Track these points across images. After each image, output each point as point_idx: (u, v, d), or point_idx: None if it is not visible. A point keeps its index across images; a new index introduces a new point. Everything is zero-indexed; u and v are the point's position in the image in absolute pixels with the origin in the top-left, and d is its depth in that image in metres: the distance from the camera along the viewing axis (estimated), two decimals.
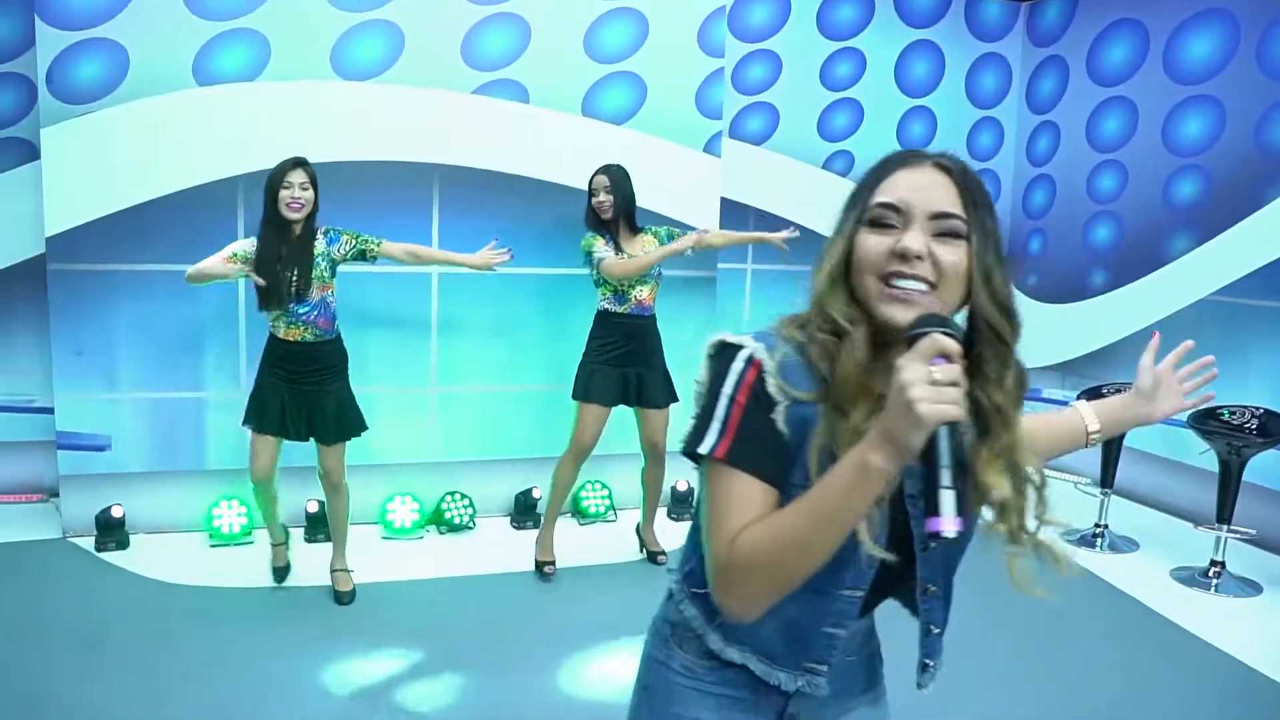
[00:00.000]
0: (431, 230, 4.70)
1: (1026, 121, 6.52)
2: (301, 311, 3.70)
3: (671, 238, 4.27)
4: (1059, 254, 6.30)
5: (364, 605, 3.91)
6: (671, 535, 4.52)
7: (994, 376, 1.16)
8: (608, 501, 5.00)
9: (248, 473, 3.87)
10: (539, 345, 4.92)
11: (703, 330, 5.10)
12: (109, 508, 4.44)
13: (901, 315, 1.11)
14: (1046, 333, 6.25)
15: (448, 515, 4.71)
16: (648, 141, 4.94)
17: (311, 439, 3.84)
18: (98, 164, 4.35)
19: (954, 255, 1.13)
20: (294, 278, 3.66)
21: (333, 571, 4.02)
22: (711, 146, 5.05)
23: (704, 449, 1.13)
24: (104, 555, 4.34)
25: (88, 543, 4.43)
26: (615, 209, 4.16)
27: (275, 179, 3.66)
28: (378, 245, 3.89)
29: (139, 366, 4.52)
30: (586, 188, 4.24)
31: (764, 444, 1.12)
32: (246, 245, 3.69)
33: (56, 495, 4.71)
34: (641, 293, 4.20)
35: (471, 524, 4.76)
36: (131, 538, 4.48)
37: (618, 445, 4.63)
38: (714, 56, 5.01)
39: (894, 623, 1.37)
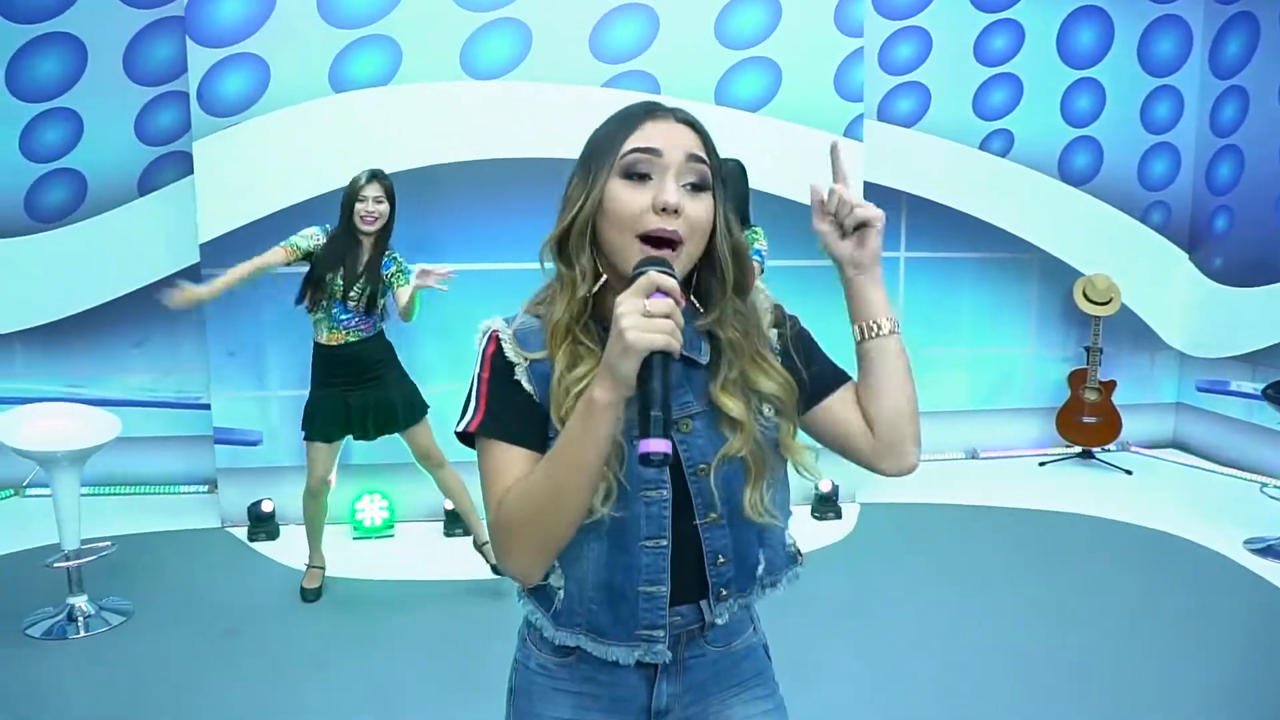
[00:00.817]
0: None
1: (1210, 88, 6.04)
2: (343, 317, 3.82)
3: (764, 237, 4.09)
4: (1247, 233, 5.82)
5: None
6: (813, 535, 4.44)
7: (729, 315, 1.22)
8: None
9: (325, 478, 3.98)
10: None
11: (841, 326, 4.98)
12: (259, 501, 4.71)
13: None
14: (1234, 320, 5.81)
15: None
16: (785, 128, 4.84)
17: (393, 434, 3.98)
18: (245, 172, 4.60)
19: (701, 207, 1.16)
20: (361, 288, 3.78)
21: (478, 546, 4.12)
22: (853, 130, 4.89)
23: (460, 427, 1.21)
24: (255, 545, 4.62)
25: (242, 532, 4.72)
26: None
27: (351, 191, 3.78)
28: (398, 287, 3.87)
29: (287, 365, 4.76)
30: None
31: (513, 410, 1.19)
32: (307, 239, 3.78)
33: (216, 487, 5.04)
34: None
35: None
36: (281, 529, 4.74)
37: None
38: (852, 36, 4.85)
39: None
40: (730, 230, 1.22)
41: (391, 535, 4.74)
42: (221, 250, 4.63)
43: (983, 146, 5.80)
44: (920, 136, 5.72)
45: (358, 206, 3.75)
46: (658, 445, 0.99)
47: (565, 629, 1.27)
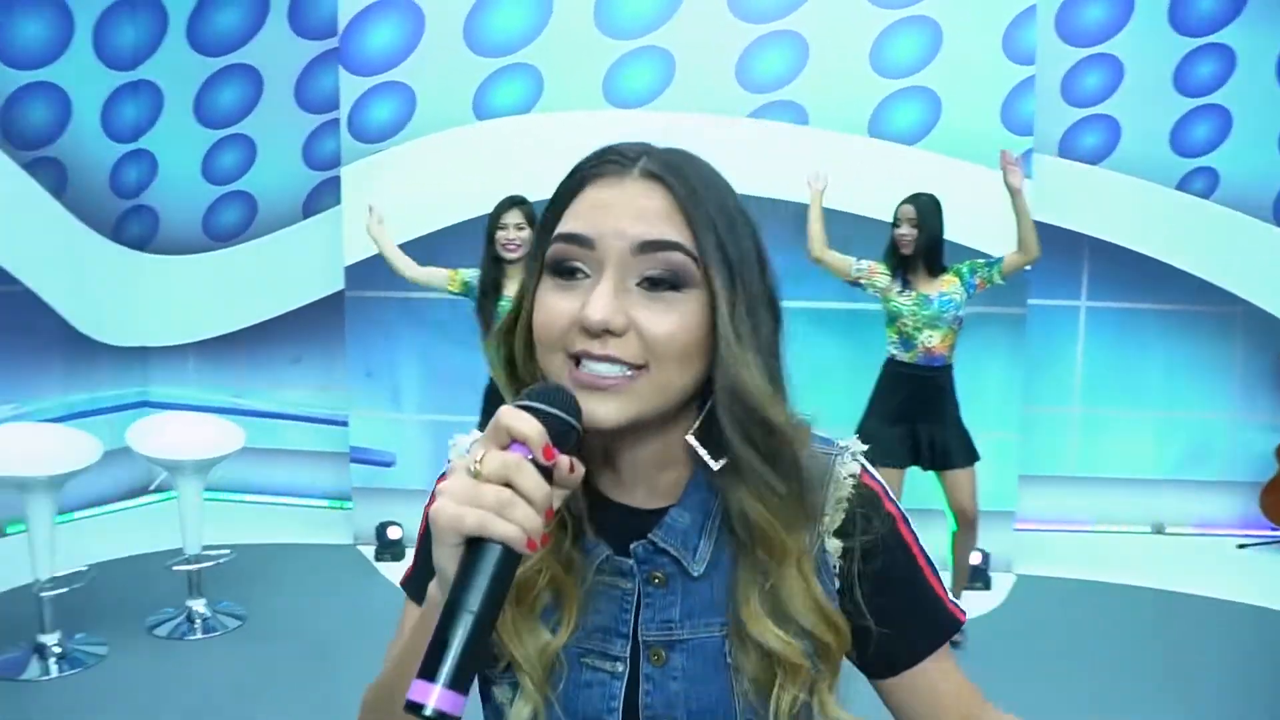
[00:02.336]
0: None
1: None
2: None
3: (974, 272, 3.93)
4: None
5: None
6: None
7: (751, 483, 0.82)
8: None
9: None
10: (817, 386, 4.76)
11: (1005, 381, 4.73)
12: (386, 524, 4.90)
13: (601, 411, 0.78)
14: None
15: None
16: (943, 163, 4.65)
17: None
18: (390, 198, 4.82)
19: (671, 320, 0.78)
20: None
21: None
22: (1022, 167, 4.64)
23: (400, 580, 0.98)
24: (379, 565, 4.81)
25: (370, 551, 4.93)
26: (918, 244, 3.87)
27: (493, 219, 3.87)
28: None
29: (423, 389, 4.96)
30: (891, 217, 3.98)
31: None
32: (470, 274, 3.92)
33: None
34: (931, 339, 3.91)
35: None
36: (407, 550, 4.91)
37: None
38: (1022, 64, 4.61)
39: None
40: (740, 346, 0.80)
41: None
42: (364, 274, 4.89)
43: (1181, 186, 5.36)
44: (1107, 174, 5.36)
45: (499, 234, 3.85)
46: (422, 692, 0.66)
47: None
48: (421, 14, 4.73)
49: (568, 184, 0.85)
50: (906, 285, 3.90)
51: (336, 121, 5.25)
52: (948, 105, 4.64)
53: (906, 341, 3.92)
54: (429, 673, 0.66)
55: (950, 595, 0.93)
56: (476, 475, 0.69)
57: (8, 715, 3.34)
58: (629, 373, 0.78)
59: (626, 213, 0.79)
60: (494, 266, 3.85)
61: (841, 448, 0.90)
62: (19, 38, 5.11)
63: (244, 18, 5.54)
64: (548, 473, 0.72)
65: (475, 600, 0.68)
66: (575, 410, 0.76)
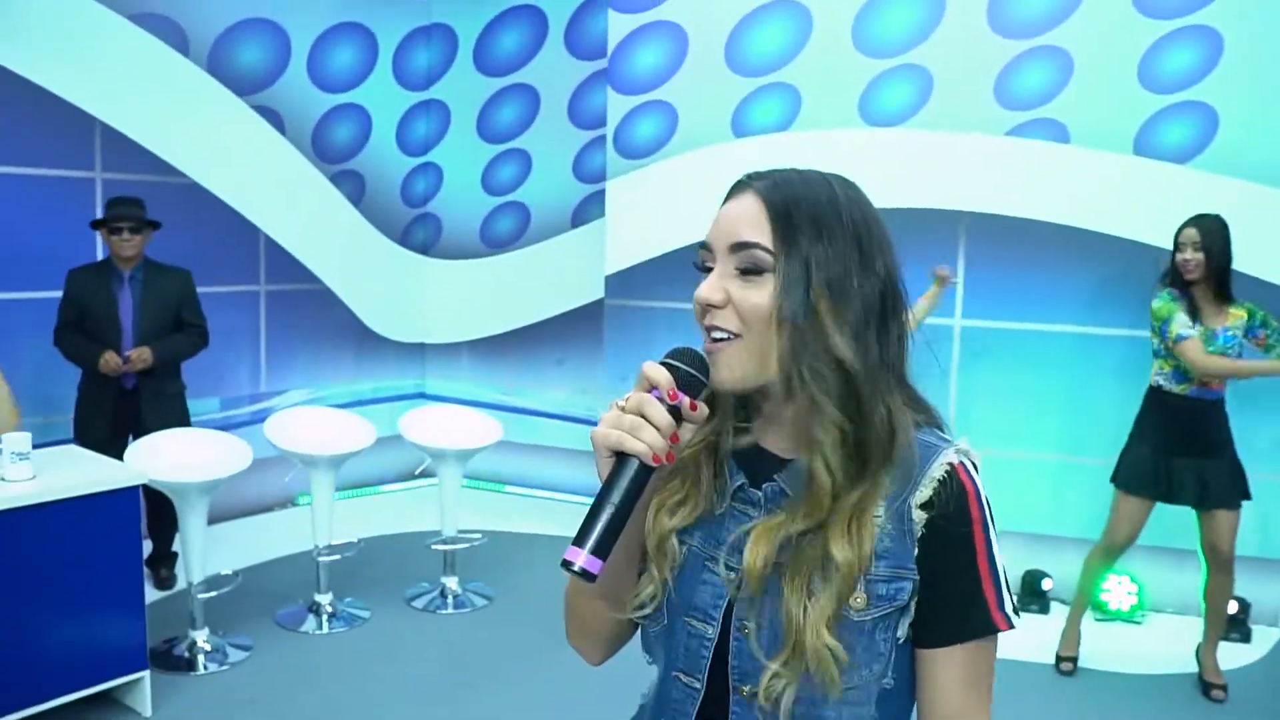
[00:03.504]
0: (956, 284, 4.81)
1: None
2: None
3: (1264, 325, 3.78)
4: None
5: None
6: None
7: (818, 451, 1.03)
8: (1135, 600, 4.66)
9: None
10: (1064, 410, 4.77)
11: None
12: None
13: (718, 377, 1.05)
14: None
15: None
16: (1220, 184, 4.51)
17: None
18: (650, 211, 5.23)
19: (757, 295, 1.03)
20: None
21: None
22: None
23: None
24: None
25: None
26: (1204, 270, 3.73)
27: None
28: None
29: None
30: (1172, 241, 3.85)
31: None
32: None
33: None
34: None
35: None
36: None
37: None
38: None
39: None
40: (796, 322, 1.02)
41: None
42: (623, 284, 5.30)
43: None
44: None
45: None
46: (573, 554, 0.96)
47: None
48: (685, 35, 5.09)
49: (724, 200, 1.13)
50: (1195, 317, 3.71)
51: (604, 137, 5.70)
52: (1226, 121, 4.51)
53: (1181, 374, 3.76)
54: (580, 541, 0.96)
55: (1003, 605, 1.05)
56: (622, 408, 1.00)
57: (287, 660, 3.98)
58: (728, 338, 1.04)
59: (732, 223, 1.06)
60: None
61: (952, 444, 1.08)
62: (332, 65, 5.88)
63: (525, 41, 6.11)
64: (676, 410, 1.00)
65: (616, 496, 0.98)
66: (702, 367, 1.03)
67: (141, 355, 4.32)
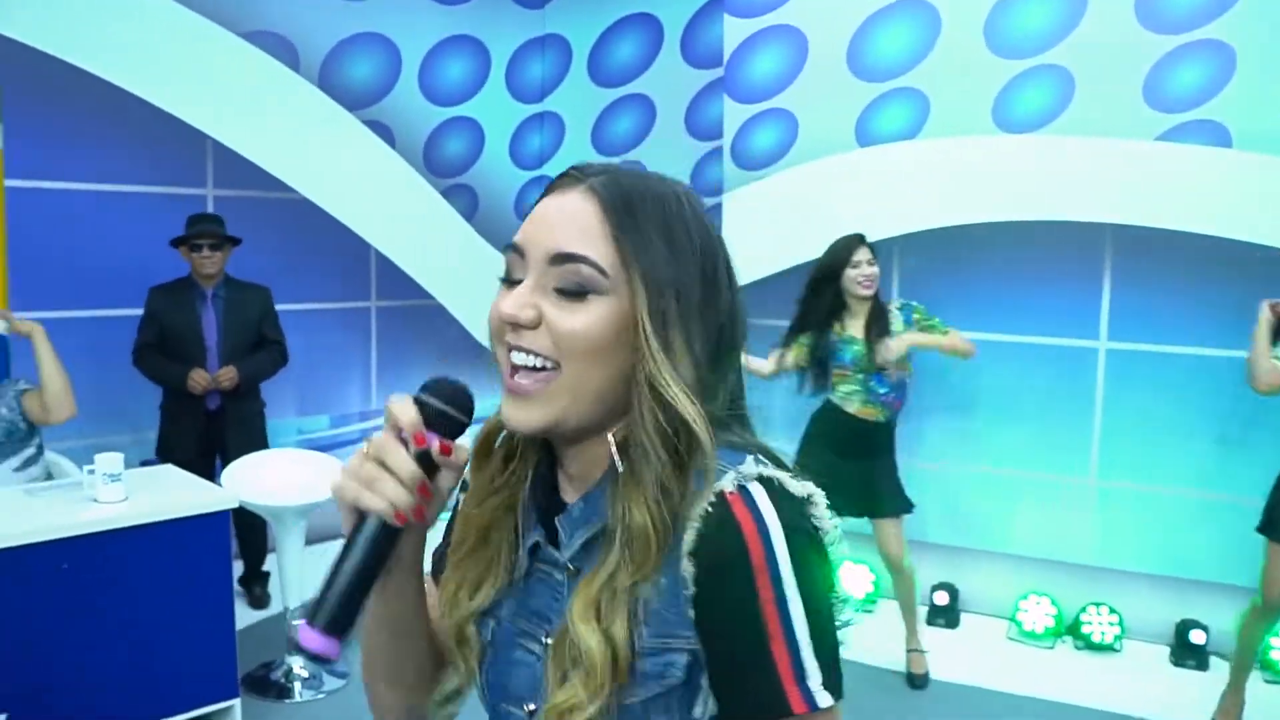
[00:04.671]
0: (1100, 303, 4.51)
1: None
2: (881, 392, 3.96)
3: None
4: None
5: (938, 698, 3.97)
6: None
7: (639, 487, 0.86)
8: None
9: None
10: (1226, 447, 4.39)
11: None
12: None
13: (516, 417, 0.90)
14: None
15: (1086, 629, 4.46)
16: None
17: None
18: (769, 225, 5.04)
19: (579, 319, 0.87)
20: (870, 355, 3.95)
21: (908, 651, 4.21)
22: None
23: None
24: None
25: None
26: None
27: (843, 257, 3.98)
28: (944, 334, 3.96)
29: (792, 421, 5.11)
30: None
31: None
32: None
33: None
34: None
35: (1117, 646, 4.43)
36: None
37: None
38: None
39: None
40: (651, 352, 0.86)
41: (872, 611, 4.85)
42: (748, 297, 5.12)
43: None
44: None
45: (851, 273, 3.97)
46: (306, 636, 0.83)
47: None
48: (805, 39, 4.89)
49: (541, 194, 0.96)
50: None
51: (721, 149, 5.55)
52: None
53: None
54: (310, 617, 0.83)
55: (803, 678, 0.82)
56: (363, 455, 0.86)
57: None
58: (544, 367, 0.88)
59: (553, 225, 0.89)
60: (836, 306, 4.01)
61: (738, 470, 0.87)
62: (443, 79, 5.87)
63: (640, 50, 5.99)
64: (426, 456, 0.87)
65: (353, 562, 0.84)
66: (461, 402, 0.90)
67: (229, 375, 4.35)
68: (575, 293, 0.88)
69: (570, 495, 0.96)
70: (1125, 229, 4.43)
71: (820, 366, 4.07)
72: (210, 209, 4.95)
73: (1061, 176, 4.49)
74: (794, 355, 4.13)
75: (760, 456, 0.90)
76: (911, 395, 4.22)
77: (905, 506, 4.12)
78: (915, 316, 4.02)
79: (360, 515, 0.86)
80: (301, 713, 3.81)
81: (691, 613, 0.84)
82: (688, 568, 0.85)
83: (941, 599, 4.68)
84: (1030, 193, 4.54)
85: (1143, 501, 4.48)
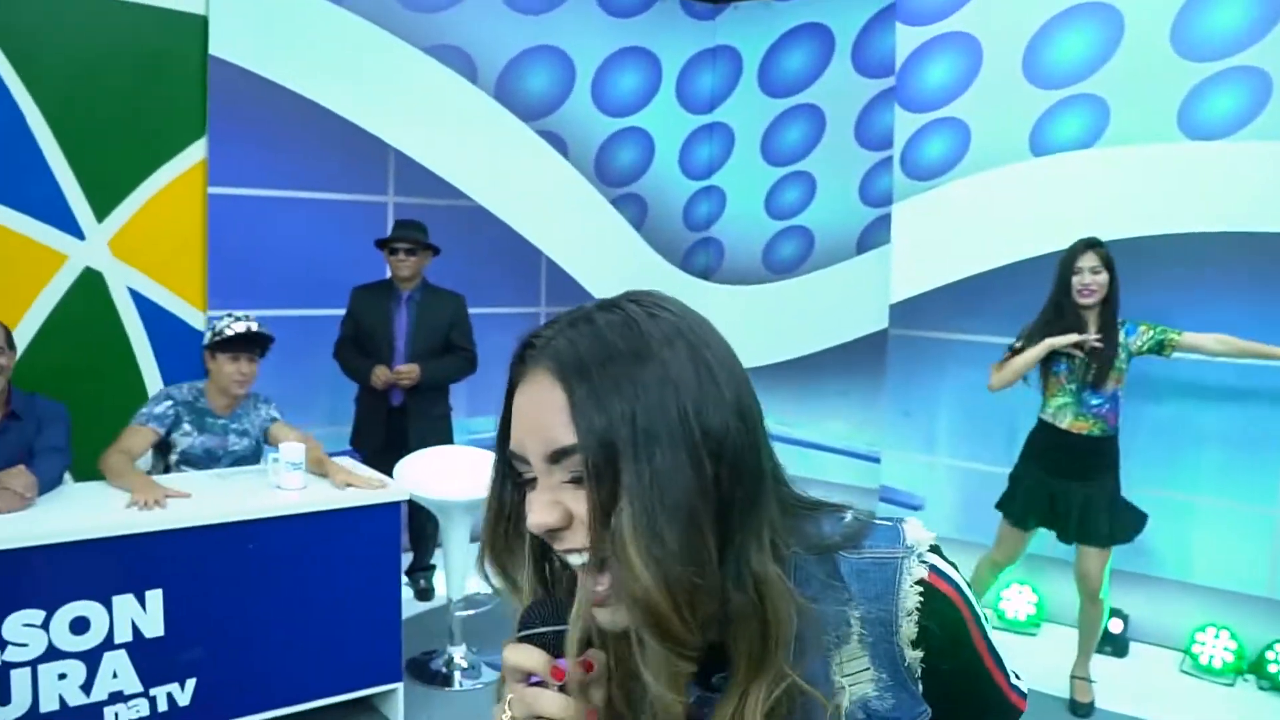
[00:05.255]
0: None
1: None
2: (1094, 404, 3.81)
3: None
4: None
5: None
6: None
7: (732, 693, 0.84)
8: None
9: (1003, 563, 4.15)
10: None
11: None
12: None
13: (607, 620, 0.84)
14: None
15: (1273, 668, 4.20)
16: None
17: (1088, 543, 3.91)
18: (941, 235, 4.97)
19: (588, 504, 0.82)
20: (1091, 367, 3.79)
21: (1072, 678, 4.06)
22: None
23: None
24: None
25: None
26: None
27: (1067, 262, 3.82)
28: (1179, 336, 3.80)
29: (957, 433, 5.01)
30: None
31: None
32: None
33: None
34: None
35: None
36: None
37: None
38: None
39: None
40: (636, 536, 0.78)
41: (1035, 634, 4.70)
42: (909, 313, 5.07)
43: None
44: None
45: (1074, 280, 3.83)
46: None
47: None
48: (979, 46, 4.80)
49: (509, 386, 0.89)
50: None
51: (891, 159, 5.51)
52: None
53: None
54: None
55: (1014, 685, 0.96)
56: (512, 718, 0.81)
57: None
58: (600, 561, 0.82)
59: (532, 423, 0.84)
60: (1061, 311, 3.85)
61: (908, 549, 0.89)
62: (615, 90, 6.02)
63: (810, 60, 6.01)
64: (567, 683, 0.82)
65: None
66: (564, 616, 0.85)
67: (410, 372, 4.55)
68: (579, 480, 0.82)
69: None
70: None
71: (1046, 373, 3.93)
72: (390, 216, 5.20)
73: (1256, 185, 4.26)
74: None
75: (875, 520, 0.92)
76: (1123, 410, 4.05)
77: (1121, 536, 3.91)
78: (1142, 328, 3.87)
79: None
80: (460, 700, 3.95)
81: (920, 687, 0.88)
82: (913, 654, 0.87)
83: (1116, 627, 4.49)
84: (1220, 202, 4.33)
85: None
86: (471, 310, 4.83)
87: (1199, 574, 4.44)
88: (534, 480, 0.85)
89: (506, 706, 0.83)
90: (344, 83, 5.08)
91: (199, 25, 4.72)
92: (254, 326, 3.80)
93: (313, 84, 5.00)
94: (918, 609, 0.86)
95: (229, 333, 3.74)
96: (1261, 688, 4.22)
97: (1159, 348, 3.84)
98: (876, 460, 5.68)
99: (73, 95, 4.47)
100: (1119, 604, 4.52)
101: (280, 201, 5.02)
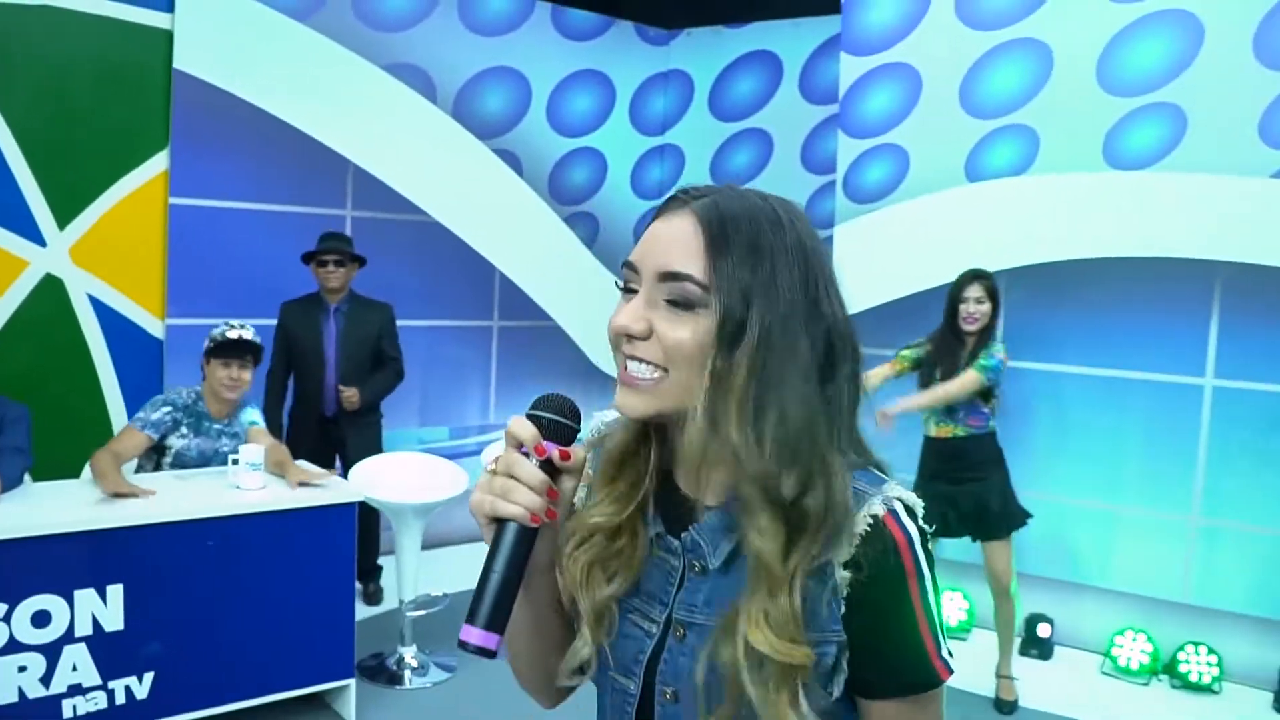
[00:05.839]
0: (1208, 340, 4.51)
1: None
2: (955, 409, 4.13)
3: None
4: None
5: None
6: None
7: (747, 512, 0.97)
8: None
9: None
10: None
11: None
12: None
13: (626, 402, 1.00)
14: None
15: (1184, 668, 4.45)
16: None
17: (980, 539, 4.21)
18: (880, 256, 5.19)
19: (683, 330, 0.96)
20: (935, 376, 4.12)
21: (998, 677, 4.28)
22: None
23: None
24: None
25: None
26: None
27: (955, 291, 4.13)
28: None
29: (882, 443, 5.22)
30: None
31: None
32: (911, 349, 4.30)
33: None
34: None
35: (1216, 687, 4.41)
36: None
37: None
38: None
39: None
40: (731, 369, 0.95)
41: (964, 639, 4.91)
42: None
43: None
44: None
45: (960, 307, 4.10)
46: (467, 633, 0.95)
47: None
48: (919, 77, 5.05)
49: (653, 216, 1.05)
50: None
51: (834, 182, 5.74)
52: None
53: None
54: (472, 617, 0.96)
55: (941, 653, 1.00)
56: (494, 471, 0.99)
57: (489, 685, 3.98)
58: (655, 374, 0.98)
59: (663, 246, 0.99)
60: (952, 337, 4.14)
61: (882, 490, 0.99)
62: (570, 111, 6.22)
63: (759, 86, 6.25)
64: (549, 464, 0.99)
65: (500, 564, 0.97)
66: (570, 412, 1.02)
67: (350, 399, 4.69)
68: (683, 305, 0.97)
69: (694, 489, 1.05)
70: (1236, 266, 4.44)
71: (925, 386, 4.20)
72: (349, 229, 5.33)
73: (1172, 213, 4.53)
74: (894, 365, 4.30)
75: (884, 474, 1.03)
76: (1011, 422, 4.30)
77: (1015, 525, 4.18)
78: (996, 349, 4.12)
79: (499, 525, 0.99)
80: (410, 698, 4.08)
81: (843, 611, 0.97)
82: (843, 575, 0.97)
83: (1044, 631, 4.71)
84: (1140, 229, 4.59)
85: (1246, 541, 4.46)
86: (425, 322, 4.99)
87: (1119, 580, 4.68)
88: (633, 292, 1.00)
89: (493, 460, 1.00)
90: (305, 98, 5.22)
91: (164, 39, 4.84)
92: (246, 335, 3.94)
93: (274, 99, 5.14)
94: (860, 536, 0.97)
95: (222, 339, 3.90)
96: (1174, 686, 4.46)
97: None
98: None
99: (38, 105, 4.58)
100: (1045, 610, 4.75)
101: (240, 213, 5.14)
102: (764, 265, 0.96)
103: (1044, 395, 4.64)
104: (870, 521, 0.97)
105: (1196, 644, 4.46)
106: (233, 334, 3.91)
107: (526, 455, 0.99)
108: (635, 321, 0.98)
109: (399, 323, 4.97)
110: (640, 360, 0.99)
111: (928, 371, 4.19)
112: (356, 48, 5.37)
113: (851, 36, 5.28)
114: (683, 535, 1.05)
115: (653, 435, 1.07)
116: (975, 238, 4.92)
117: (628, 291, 1.02)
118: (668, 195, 1.05)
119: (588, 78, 6.26)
